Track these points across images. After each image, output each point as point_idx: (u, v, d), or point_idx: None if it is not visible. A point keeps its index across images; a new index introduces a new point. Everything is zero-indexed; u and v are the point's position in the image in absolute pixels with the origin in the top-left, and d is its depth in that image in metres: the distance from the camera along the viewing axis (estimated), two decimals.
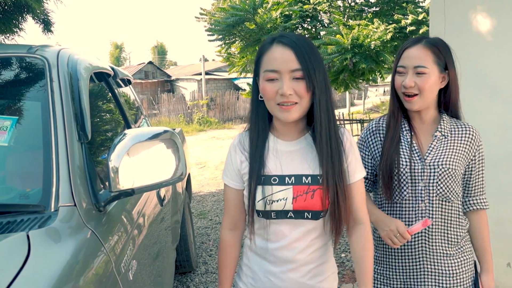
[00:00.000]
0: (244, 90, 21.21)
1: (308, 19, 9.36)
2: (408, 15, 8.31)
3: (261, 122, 1.73)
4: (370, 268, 1.77)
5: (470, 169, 2.09)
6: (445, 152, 2.02)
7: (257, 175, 1.68)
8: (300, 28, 9.68)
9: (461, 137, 2.06)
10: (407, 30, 8.30)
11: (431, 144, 2.05)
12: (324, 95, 1.64)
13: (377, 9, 9.37)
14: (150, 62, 35.74)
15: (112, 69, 3.14)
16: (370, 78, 10.27)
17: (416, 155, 2.04)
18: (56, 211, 1.67)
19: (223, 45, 9.89)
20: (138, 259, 2.05)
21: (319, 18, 9.47)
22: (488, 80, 3.42)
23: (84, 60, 2.46)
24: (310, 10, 8.97)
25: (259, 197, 1.67)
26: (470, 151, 2.06)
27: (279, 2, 8.99)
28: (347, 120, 13.33)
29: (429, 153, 2.04)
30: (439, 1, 4.01)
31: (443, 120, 2.07)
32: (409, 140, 2.06)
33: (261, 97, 1.69)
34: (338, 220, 1.68)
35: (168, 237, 3.12)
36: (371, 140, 2.16)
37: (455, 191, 2.03)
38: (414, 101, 2.00)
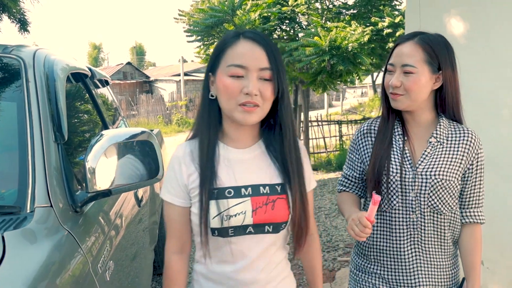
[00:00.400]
0: None
1: (287, 21, 9.41)
2: (385, 18, 8.41)
3: (213, 126, 1.54)
4: (320, 276, 1.76)
5: (466, 179, 1.91)
6: (440, 160, 1.85)
7: (209, 188, 1.48)
8: (279, 30, 9.73)
9: (459, 143, 1.88)
10: (384, 32, 8.40)
11: (425, 151, 1.87)
12: (288, 100, 1.55)
13: (355, 11, 9.46)
14: (128, 63, 35.56)
15: (90, 69, 3.13)
16: (348, 79, 10.37)
17: (407, 162, 1.86)
18: (32, 212, 1.66)
19: (202, 46, 9.92)
20: (115, 260, 2.05)
21: (297, 20, 9.52)
22: (461, 82, 3.48)
23: (61, 61, 2.45)
24: (289, 12, 9.02)
25: (214, 212, 1.47)
26: (467, 159, 1.88)
27: (258, 4, 9.01)
28: (325, 121, 13.40)
29: (422, 161, 1.86)
30: (415, 4, 4.07)
31: (440, 125, 1.89)
32: (401, 145, 1.89)
33: (212, 95, 1.53)
34: (302, 229, 1.58)
35: (146, 238, 3.12)
36: (362, 143, 2.00)
37: (449, 204, 1.86)
38: (399, 99, 1.84)
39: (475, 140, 1.89)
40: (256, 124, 1.55)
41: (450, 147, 1.87)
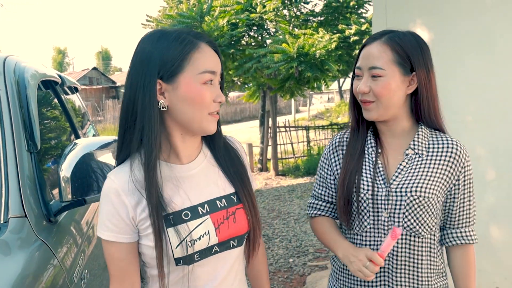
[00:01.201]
0: None
1: (255, 28, 9.47)
2: (352, 25, 8.55)
3: (158, 143, 1.31)
4: (268, 282, 1.65)
5: (452, 196, 1.67)
6: (418, 175, 1.61)
7: (164, 215, 1.30)
8: (247, 36, 9.78)
9: (441, 155, 1.63)
10: (351, 40, 8.54)
11: (400, 164, 1.64)
12: None
13: (322, 18, 9.59)
14: (94, 68, 35.12)
15: (60, 76, 3.10)
16: (315, 85, 10.48)
17: (380, 178, 1.63)
18: (6, 222, 1.64)
19: None
20: (89, 269, 2.04)
21: (265, 26, 9.60)
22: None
23: (31, 68, 2.42)
24: (257, 19, 9.08)
25: (176, 241, 1.29)
26: (452, 174, 1.63)
27: (226, 11, 9.06)
28: (293, 127, 13.50)
29: (397, 176, 1.62)
30: (381, 13, 4.16)
31: (419, 134, 1.65)
32: (374, 159, 1.66)
33: (163, 107, 1.30)
34: (256, 233, 1.47)
35: None
36: (333, 157, 1.77)
37: (428, 225, 1.61)
38: (370, 108, 1.61)
39: (460, 151, 1.64)
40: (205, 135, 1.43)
41: (431, 159, 1.63)
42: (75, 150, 1.82)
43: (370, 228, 1.64)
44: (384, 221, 1.61)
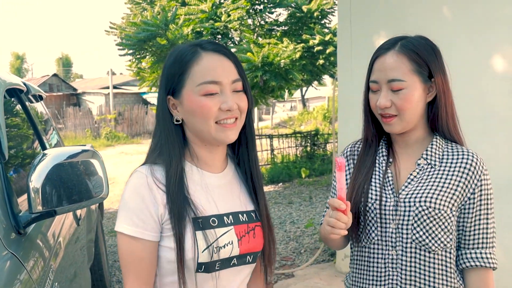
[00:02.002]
0: (154, 104, 21.00)
1: (219, 36, 9.52)
2: (316, 36, 8.67)
3: (183, 152, 1.37)
4: None
5: (466, 211, 1.53)
6: (428, 185, 1.52)
7: (193, 217, 1.30)
8: None
9: (455, 166, 1.53)
10: (315, 49, 8.66)
11: (411, 174, 1.56)
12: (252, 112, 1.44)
13: (286, 28, 9.70)
14: (54, 75, 34.48)
15: (25, 84, 3.05)
16: (279, 94, 10.59)
17: (389, 187, 1.55)
18: None
19: (133, 60, 9.82)
20: (59, 281, 2.01)
21: (230, 35, 9.65)
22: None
23: None
24: (221, 28, 9.12)
25: (203, 245, 1.28)
26: (467, 186, 1.52)
27: (191, 19, 9.07)
28: (257, 135, 13.53)
29: (406, 186, 1.54)
30: (346, 24, 4.25)
31: (433, 144, 1.57)
32: (384, 168, 1.60)
33: (177, 120, 1.36)
34: (271, 256, 1.48)
35: (85, 257, 3.05)
36: (346, 167, 1.70)
37: (439, 239, 1.50)
38: (393, 123, 1.52)
39: (476, 164, 1.53)
40: (225, 144, 1.42)
41: (444, 170, 1.54)
42: (45, 161, 1.80)
43: (377, 240, 1.55)
44: (392, 232, 1.53)
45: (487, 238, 1.54)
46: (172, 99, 1.37)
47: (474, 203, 1.52)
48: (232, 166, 1.49)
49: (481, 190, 1.52)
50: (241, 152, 1.48)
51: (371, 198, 1.57)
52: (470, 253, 1.54)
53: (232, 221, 1.37)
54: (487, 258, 1.52)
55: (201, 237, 1.29)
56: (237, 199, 1.43)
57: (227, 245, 1.32)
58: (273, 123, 29.45)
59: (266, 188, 10.29)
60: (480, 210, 1.53)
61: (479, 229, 1.53)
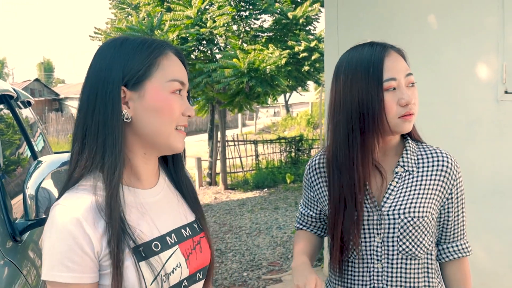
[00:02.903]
0: None
1: (205, 42, 9.53)
2: (301, 42, 8.73)
3: (122, 158, 1.13)
4: None
5: (447, 210, 1.55)
6: (410, 194, 1.49)
7: (133, 247, 1.09)
8: (197, 51, 9.82)
9: (432, 170, 1.52)
10: (300, 56, 8.72)
11: (390, 185, 1.51)
12: None
13: (271, 34, 9.75)
14: (36, 80, 34.17)
15: (14, 90, 3.04)
16: (264, 100, 10.64)
17: (370, 201, 1.50)
18: None
19: None
20: None
21: (215, 41, 9.66)
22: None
23: None
24: (207, 34, 9.13)
25: (150, 277, 1.10)
26: (445, 188, 1.52)
27: (176, 25, 9.07)
28: (241, 141, 13.57)
29: (387, 198, 1.50)
30: (333, 32, 4.30)
31: (407, 149, 1.54)
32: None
33: (127, 118, 1.14)
34: (213, 267, 1.36)
35: None
36: (316, 179, 1.65)
37: (424, 245, 1.50)
38: (412, 120, 1.46)
39: (451, 164, 1.53)
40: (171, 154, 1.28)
41: (422, 176, 1.52)
42: (40, 168, 1.81)
43: (362, 254, 1.51)
44: (377, 246, 1.49)
45: (463, 229, 1.58)
46: (127, 91, 1.14)
47: (452, 202, 1.54)
48: (164, 177, 1.31)
49: (457, 189, 1.54)
50: (174, 160, 1.34)
51: None
52: (452, 246, 1.57)
53: (176, 240, 1.20)
54: (465, 247, 1.58)
55: (146, 269, 1.09)
56: (176, 212, 1.27)
57: (175, 269, 1.16)
58: (257, 129, 29.50)
59: (251, 194, 10.32)
60: (458, 206, 1.56)
61: (457, 223, 1.57)
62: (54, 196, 1.90)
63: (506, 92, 3.36)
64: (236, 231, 7.17)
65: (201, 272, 1.26)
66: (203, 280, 1.29)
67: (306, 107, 33.56)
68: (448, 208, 1.54)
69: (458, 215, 1.56)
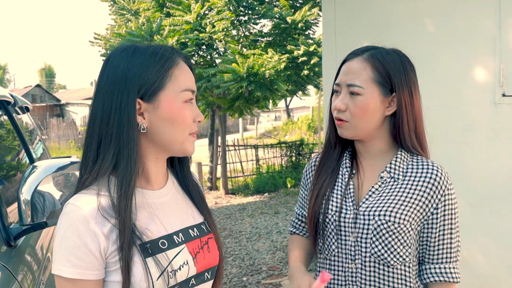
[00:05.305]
0: None
1: (204, 47, 9.54)
2: (300, 46, 8.74)
3: (137, 168, 1.19)
4: None
5: (430, 226, 1.50)
6: (389, 198, 1.48)
7: (140, 244, 1.15)
8: (196, 56, 9.83)
9: (418, 180, 1.50)
10: (299, 60, 8.72)
11: (372, 187, 1.52)
12: None
13: (271, 39, 9.76)
14: (38, 85, 34.28)
15: (12, 96, 3.05)
16: (264, 104, 10.65)
17: (350, 199, 1.52)
18: None
19: None
20: None
21: (214, 46, 9.68)
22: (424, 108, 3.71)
23: None
24: (206, 38, 9.15)
25: (157, 273, 1.14)
26: (430, 201, 1.49)
27: (175, 30, 9.09)
28: (242, 145, 13.58)
29: (367, 199, 1.51)
30: (330, 35, 4.31)
31: (397, 157, 1.53)
32: (346, 179, 1.57)
33: (143, 129, 1.19)
34: (222, 268, 1.38)
35: None
36: (310, 177, 1.70)
37: (398, 253, 1.46)
38: (344, 126, 1.51)
39: (441, 177, 1.49)
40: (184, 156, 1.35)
41: (407, 184, 1.50)
42: (35, 173, 1.81)
43: (337, 252, 1.52)
44: (351, 245, 1.49)
45: (451, 252, 1.51)
46: (142, 103, 1.19)
47: (437, 218, 1.49)
48: (173, 179, 1.36)
49: (444, 205, 1.49)
50: (181, 163, 1.38)
51: (331, 210, 1.54)
52: (435, 268, 1.51)
53: (183, 239, 1.25)
54: (450, 273, 1.50)
55: (152, 264, 1.14)
56: (184, 213, 1.31)
57: (182, 266, 1.20)
58: (258, 133, 29.51)
59: (252, 198, 10.31)
60: (444, 225, 1.50)
61: (443, 244, 1.50)
62: (57, 200, 1.91)
63: (503, 95, 3.35)
64: (236, 236, 7.17)
65: (209, 272, 1.30)
66: (212, 281, 1.33)
67: (307, 111, 33.58)
68: (432, 224, 1.50)
69: (444, 235, 1.50)
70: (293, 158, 14.01)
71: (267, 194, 10.84)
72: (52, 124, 24.70)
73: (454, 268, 1.51)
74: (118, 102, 1.17)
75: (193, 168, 12.07)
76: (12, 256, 1.77)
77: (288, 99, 32.95)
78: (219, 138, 11.61)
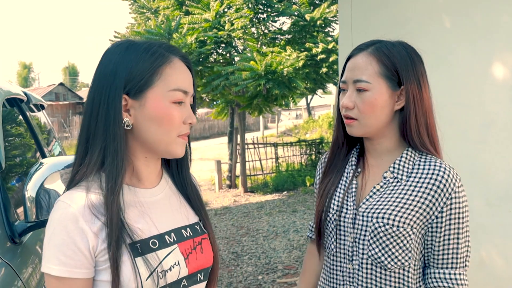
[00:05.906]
0: None
1: (223, 45, 9.53)
2: (319, 44, 8.68)
3: (125, 165, 1.16)
4: None
5: (434, 230, 1.42)
6: (390, 200, 1.42)
7: (130, 243, 1.12)
8: (215, 54, 9.83)
9: (423, 182, 1.42)
10: (318, 58, 8.66)
11: (374, 187, 1.47)
12: None
13: (289, 37, 9.71)
14: (61, 84, 34.77)
15: (25, 94, 3.07)
16: (283, 103, 10.60)
17: (351, 199, 1.48)
18: None
19: None
20: None
21: (233, 44, 9.67)
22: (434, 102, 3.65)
23: None
24: (225, 36, 9.14)
25: (146, 273, 1.11)
26: (434, 204, 1.40)
27: (194, 28, 9.09)
28: (261, 143, 13.54)
29: (367, 199, 1.46)
30: (347, 33, 4.26)
31: (402, 156, 1.46)
32: (350, 178, 1.52)
33: (128, 125, 1.17)
34: (216, 270, 1.36)
35: None
36: (319, 177, 1.67)
37: (396, 257, 1.41)
38: (353, 125, 1.46)
39: (447, 179, 1.40)
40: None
41: (410, 185, 1.43)
42: (41, 170, 1.81)
43: (335, 252, 1.50)
44: (349, 246, 1.46)
45: (457, 258, 1.43)
46: (128, 99, 1.16)
47: (442, 222, 1.41)
48: (167, 178, 1.33)
49: (450, 209, 1.40)
50: (180, 163, 1.35)
51: (332, 209, 1.52)
52: (439, 272, 1.44)
53: (175, 239, 1.21)
54: (455, 279, 1.42)
55: (142, 264, 1.11)
56: (177, 213, 1.28)
57: (173, 267, 1.17)
58: (279, 132, 29.45)
59: (270, 197, 10.28)
60: (449, 229, 1.41)
61: (448, 248, 1.42)
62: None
63: None
64: (253, 234, 7.15)
65: (202, 273, 1.27)
66: (205, 282, 1.30)
67: (328, 109, 33.41)
68: (436, 227, 1.42)
69: (450, 239, 1.42)
70: (313, 157, 13.94)
71: (285, 192, 10.80)
72: (74, 122, 25.00)
73: (460, 274, 1.44)
74: (106, 96, 1.14)
75: (213, 166, 12.09)
76: (16, 253, 1.77)
77: (309, 97, 32.83)
78: (239, 136, 11.60)
